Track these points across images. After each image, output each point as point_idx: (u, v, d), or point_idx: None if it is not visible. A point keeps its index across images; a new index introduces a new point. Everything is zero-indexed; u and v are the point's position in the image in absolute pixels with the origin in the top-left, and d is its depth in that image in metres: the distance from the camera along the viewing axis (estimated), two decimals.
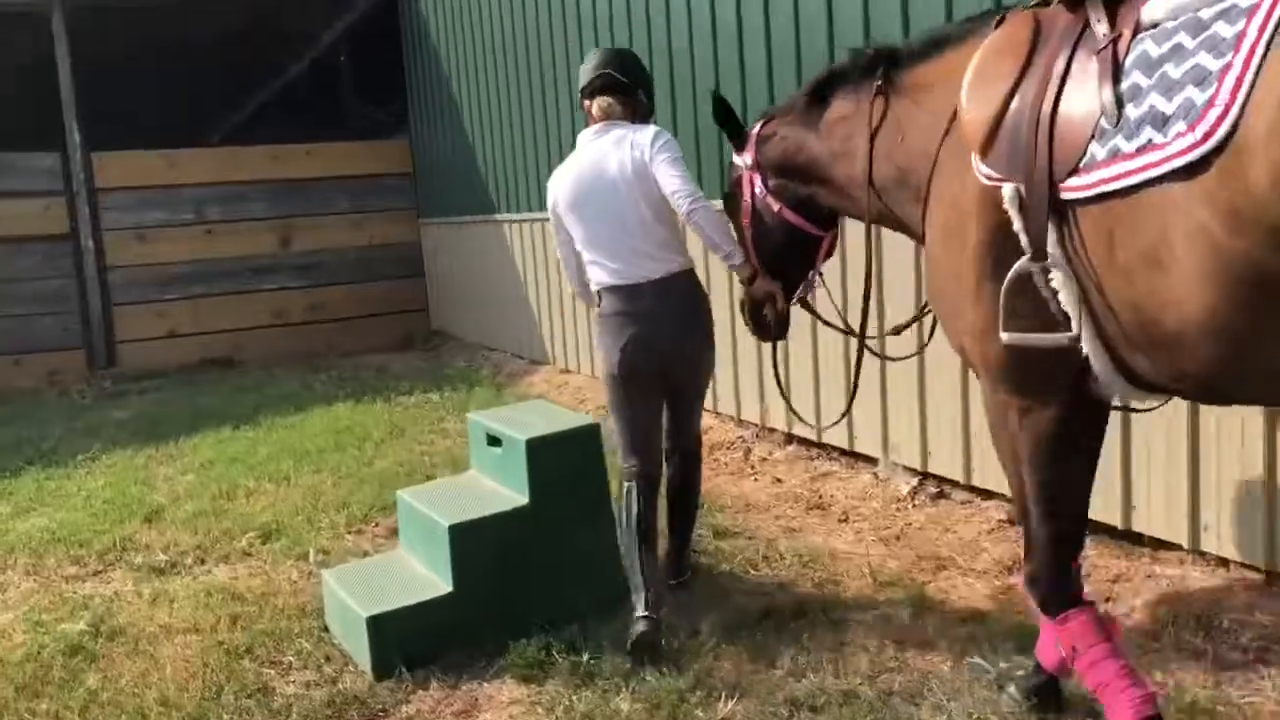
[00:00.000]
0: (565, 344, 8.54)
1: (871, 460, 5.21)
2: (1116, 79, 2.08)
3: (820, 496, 5.06)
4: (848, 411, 3.72)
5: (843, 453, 5.45)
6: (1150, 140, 1.97)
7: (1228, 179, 1.82)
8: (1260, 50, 1.79)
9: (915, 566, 4.11)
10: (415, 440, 6.86)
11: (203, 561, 4.94)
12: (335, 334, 11.39)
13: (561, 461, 3.93)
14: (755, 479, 5.51)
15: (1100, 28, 2.19)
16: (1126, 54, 2.10)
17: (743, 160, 3.43)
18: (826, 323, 3.69)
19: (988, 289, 2.38)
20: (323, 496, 5.74)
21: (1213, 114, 1.84)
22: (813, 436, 5.64)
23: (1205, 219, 1.86)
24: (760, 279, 3.55)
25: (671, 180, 3.65)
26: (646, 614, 3.49)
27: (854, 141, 2.96)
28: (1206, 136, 1.85)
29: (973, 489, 4.60)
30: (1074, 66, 2.20)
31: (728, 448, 6.03)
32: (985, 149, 2.33)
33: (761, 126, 3.38)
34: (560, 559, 3.89)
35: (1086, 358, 2.29)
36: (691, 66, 6.31)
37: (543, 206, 3.98)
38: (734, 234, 3.60)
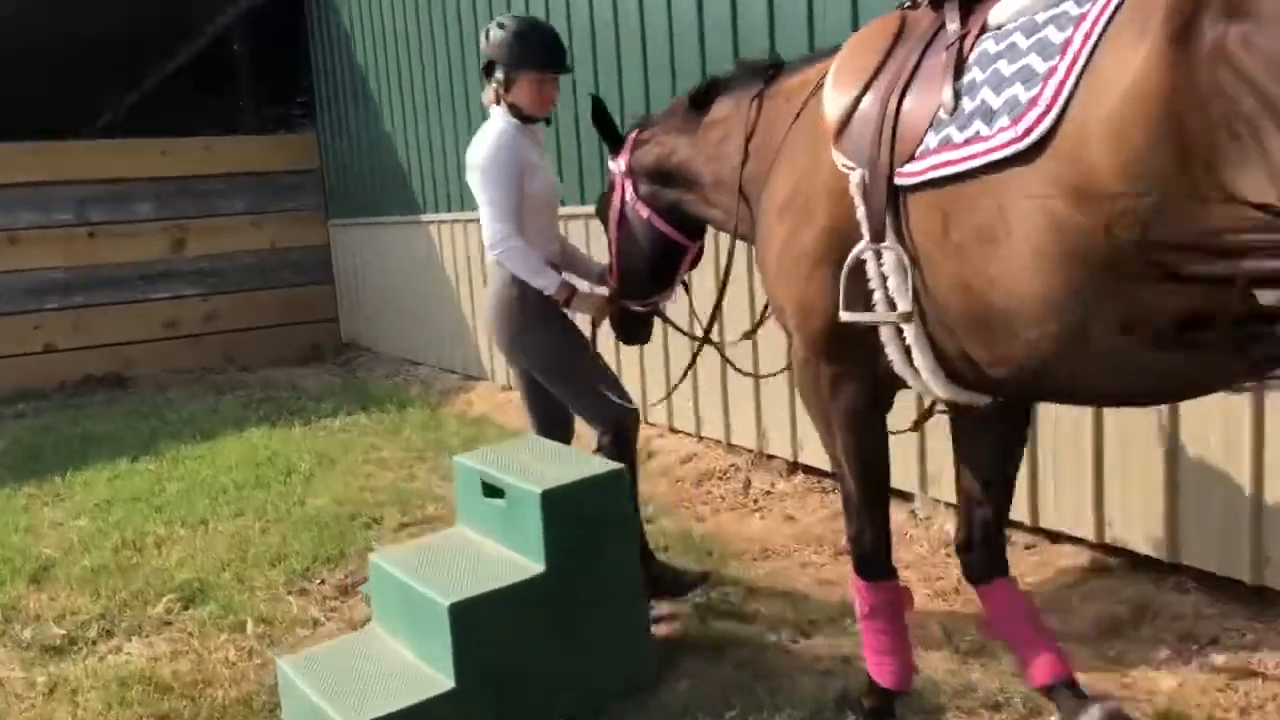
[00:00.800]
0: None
1: (904, 495, 4.56)
2: (958, 74, 2.22)
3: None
4: (667, 396, 3.94)
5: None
6: (978, 132, 2.10)
7: (1063, 163, 1.93)
8: (1084, 54, 1.93)
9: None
10: (350, 473, 5.98)
11: (110, 634, 4.04)
12: (235, 347, 10.34)
13: (584, 517, 3.17)
14: (762, 516, 4.82)
15: (951, 26, 2.33)
16: (970, 51, 2.24)
17: (616, 165, 3.49)
18: (679, 329, 3.79)
19: (825, 269, 2.52)
20: (251, 546, 4.85)
21: (1034, 112, 1.98)
22: (825, 465, 4.97)
23: (1041, 198, 1.97)
24: (612, 284, 3.69)
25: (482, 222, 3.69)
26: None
27: (727, 144, 3.08)
28: (1027, 132, 1.99)
29: (1039, 530, 3.98)
30: (924, 62, 2.34)
31: (721, 478, 5.32)
32: (839, 138, 2.45)
33: (638, 132, 3.46)
34: (584, 637, 3.14)
35: (907, 349, 2.44)
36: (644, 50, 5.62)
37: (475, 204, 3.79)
38: (537, 265, 3.66)
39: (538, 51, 3.69)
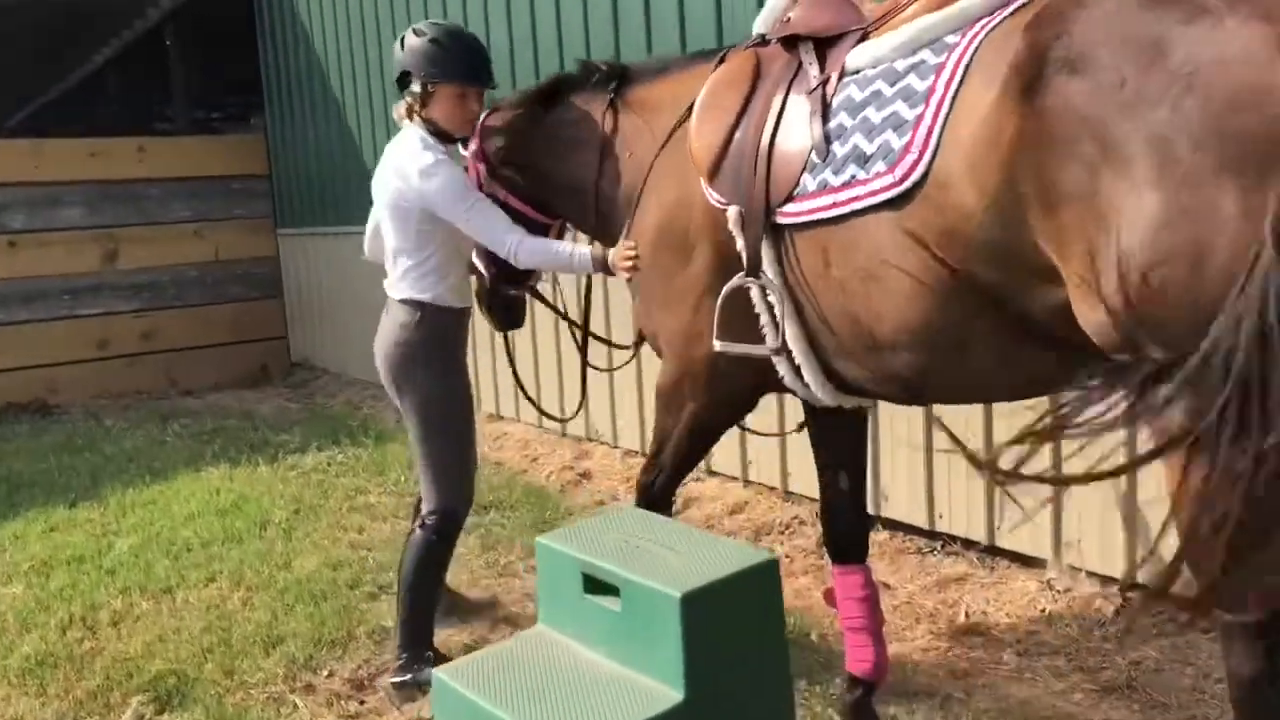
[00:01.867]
0: (496, 382, 6.92)
1: (1034, 563, 3.89)
2: (825, 118, 2.36)
3: (968, 613, 3.69)
4: (577, 412, 3.87)
5: (968, 545, 4.10)
6: (854, 176, 2.25)
7: (932, 207, 2.09)
8: (946, 104, 2.08)
9: None
10: (337, 525, 5.13)
11: None
12: (176, 368, 9.34)
13: (734, 626, 2.42)
14: None
15: (812, 70, 2.45)
16: (833, 95, 2.38)
17: (468, 150, 3.46)
18: (554, 308, 3.75)
19: (707, 302, 2.63)
20: (234, 624, 4.00)
21: (909, 159, 2.13)
22: (903, 517, 4.29)
23: (917, 238, 2.12)
24: (480, 269, 3.57)
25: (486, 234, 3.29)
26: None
27: (582, 153, 3.17)
28: (904, 178, 2.14)
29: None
30: (789, 104, 2.46)
31: (783, 532, 4.60)
32: (712, 175, 2.56)
33: (487, 117, 3.43)
34: None
35: (797, 367, 2.59)
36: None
37: None
38: (559, 246, 3.37)
39: (460, 62, 3.30)
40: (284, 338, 9.93)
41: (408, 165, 3.23)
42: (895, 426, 4.25)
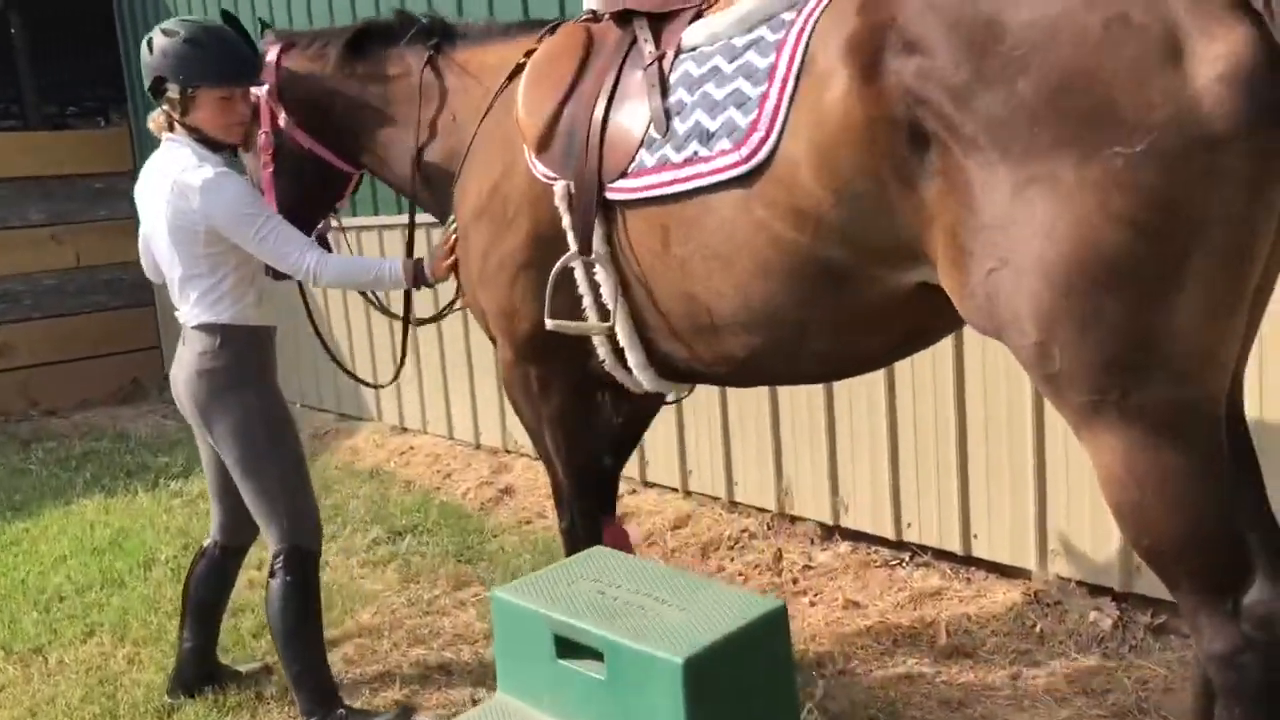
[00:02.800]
0: (400, 388, 6.41)
1: (1019, 573, 3.60)
2: (664, 93, 2.34)
3: (949, 632, 3.38)
4: (395, 377, 3.64)
5: (939, 555, 3.80)
6: (696, 153, 2.23)
7: (781, 187, 2.09)
8: (791, 82, 2.09)
9: None
10: None
11: None
12: (37, 385, 8.52)
13: (741, 691, 2.05)
14: (813, 601, 3.75)
15: (647, 46, 2.43)
16: (670, 71, 2.36)
17: (263, 89, 3.18)
18: (377, 305, 3.59)
19: (529, 275, 2.61)
20: (120, 689, 3.48)
21: (755, 137, 2.12)
22: (867, 527, 3.97)
23: (764, 218, 2.13)
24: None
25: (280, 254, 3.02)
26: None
27: (399, 108, 3.07)
28: (752, 154, 2.13)
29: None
30: (623, 79, 2.44)
31: (733, 547, 4.23)
32: (540, 148, 2.53)
33: (281, 54, 3.22)
34: None
35: (619, 350, 2.59)
36: None
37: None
38: (363, 261, 3.22)
39: (222, 61, 2.96)
40: (158, 348, 9.16)
41: (186, 182, 2.89)
42: (855, 428, 3.92)
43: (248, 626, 3.87)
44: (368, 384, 3.81)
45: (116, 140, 9.20)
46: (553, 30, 2.85)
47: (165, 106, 2.98)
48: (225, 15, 3.16)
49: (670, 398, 2.99)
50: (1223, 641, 1.84)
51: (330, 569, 4.42)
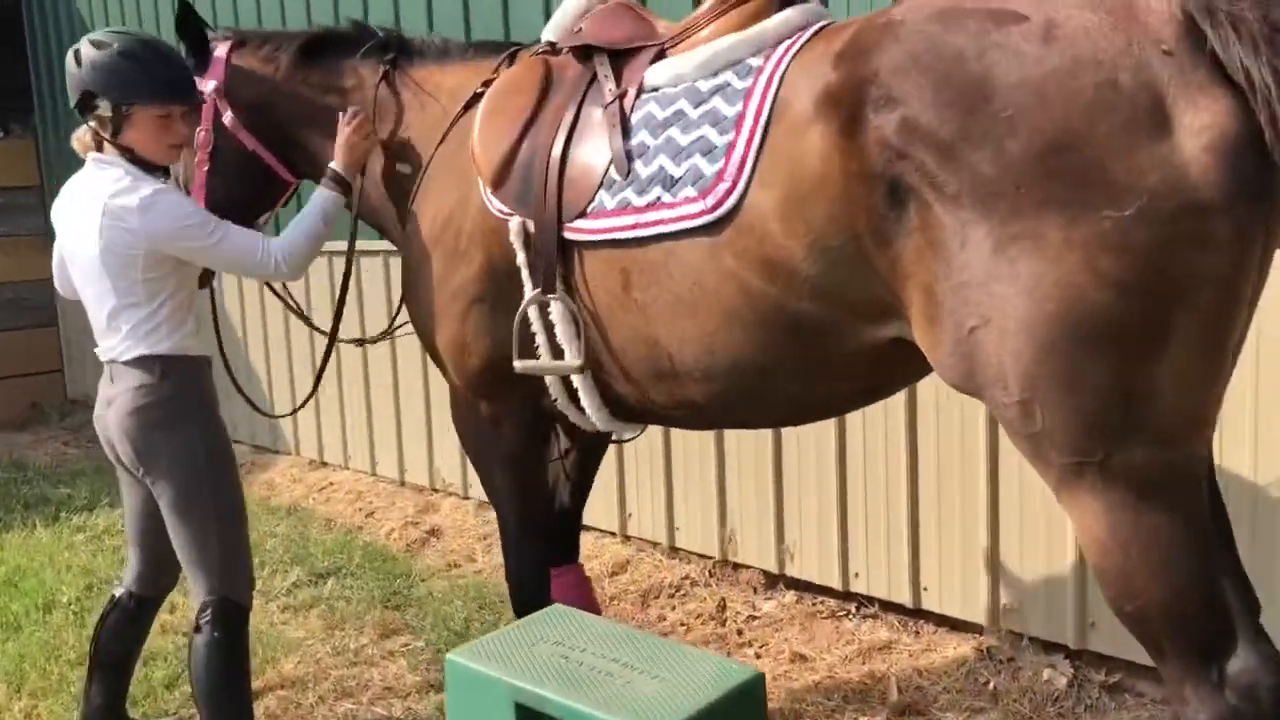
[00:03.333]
0: (320, 421, 6.17)
1: (954, 624, 3.53)
2: (626, 134, 2.29)
3: (900, 688, 3.30)
4: (303, 404, 3.50)
5: (887, 607, 3.72)
6: (659, 199, 2.19)
7: (751, 237, 2.06)
8: (759, 133, 2.07)
9: None
10: None
11: None
12: None
13: None
14: (758, 653, 3.64)
15: (608, 84, 2.39)
16: (632, 111, 2.31)
17: (206, 85, 3.03)
18: (302, 316, 3.44)
19: (482, 309, 2.56)
20: None
21: (722, 187, 2.09)
22: (813, 577, 3.89)
23: (732, 268, 2.09)
24: None
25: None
26: None
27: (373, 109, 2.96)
28: (718, 204, 2.10)
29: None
30: (582, 116, 2.39)
31: (674, 595, 4.11)
32: (496, 184, 2.47)
33: (231, 50, 3.09)
34: None
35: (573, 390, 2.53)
36: None
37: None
38: (311, 213, 2.91)
39: (161, 78, 2.73)
40: (60, 371, 8.75)
41: (122, 205, 2.66)
42: (803, 473, 3.84)
43: (160, 677, 3.63)
44: (265, 413, 3.64)
45: (21, 153, 8.78)
46: (512, 58, 2.77)
47: (93, 124, 2.75)
48: (183, 5, 3.03)
49: (618, 437, 2.94)
50: (1208, 712, 1.80)
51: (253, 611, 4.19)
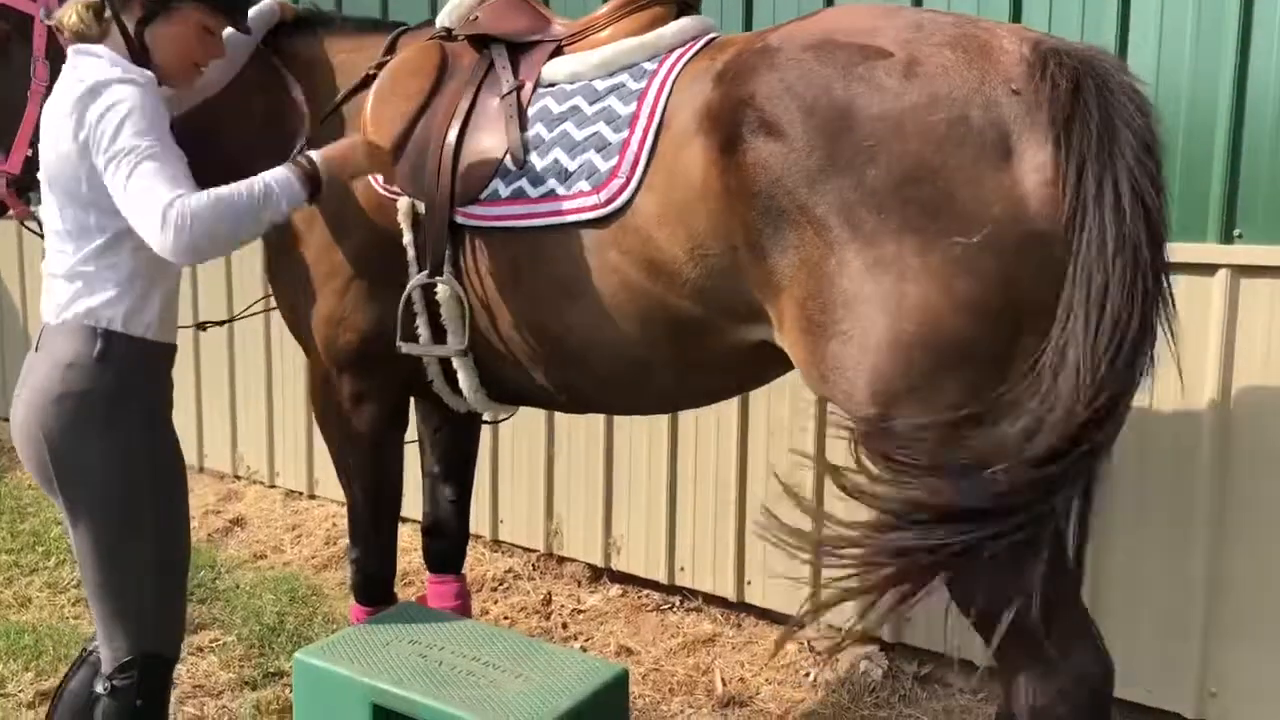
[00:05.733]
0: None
1: (775, 618, 3.64)
2: (522, 125, 2.31)
3: (724, 680, 3.38)
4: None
5: (711, 600, 3.80)
6: (553, 190, 2.23)
7: (637, 236, 2.14)
8: (651, 135, 2.15)
9: None
10: None
11: None
12: None
13: None
14: (584, 646, 3.65)
15: (505, 74, 2.40)
16: (529, 104, 2.34)
17: (42, 12, 2.47)
18: None
19: (360, 285, 2.51)
20: None
21: (616, 183, 2.16)
22: (639, 570, 3.93)
23: (618, 263, 2.17)
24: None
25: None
26: None
27: (223, 98, 2.70)
28: (610, 200, 2.16)
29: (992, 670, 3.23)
30: (479, 104, 2.40)
31: (497, 588, 4.06)
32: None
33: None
34: None
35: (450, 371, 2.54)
36: None
37: None
38: (247, 192, 2.16)
39: None
40: None
41: (90, 85, 2.07)
42: (633, 468, 3.87)
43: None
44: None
45: None
46: (395, 40, 2.67)
47: (106, 15, 2.18)
48: None
49: (490, 418, 2.90)
50: (1044, 696, 1.95)
51: (35, 607, 3.89)
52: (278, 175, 2.09)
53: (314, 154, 2.16)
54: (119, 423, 2.14)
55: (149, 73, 2.16)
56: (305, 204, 2.14)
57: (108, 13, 2.16)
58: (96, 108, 2.04)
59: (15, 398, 2.20)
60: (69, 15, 2.17)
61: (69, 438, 2.11)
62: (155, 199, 1.98)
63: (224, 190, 2.02)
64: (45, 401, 2.12)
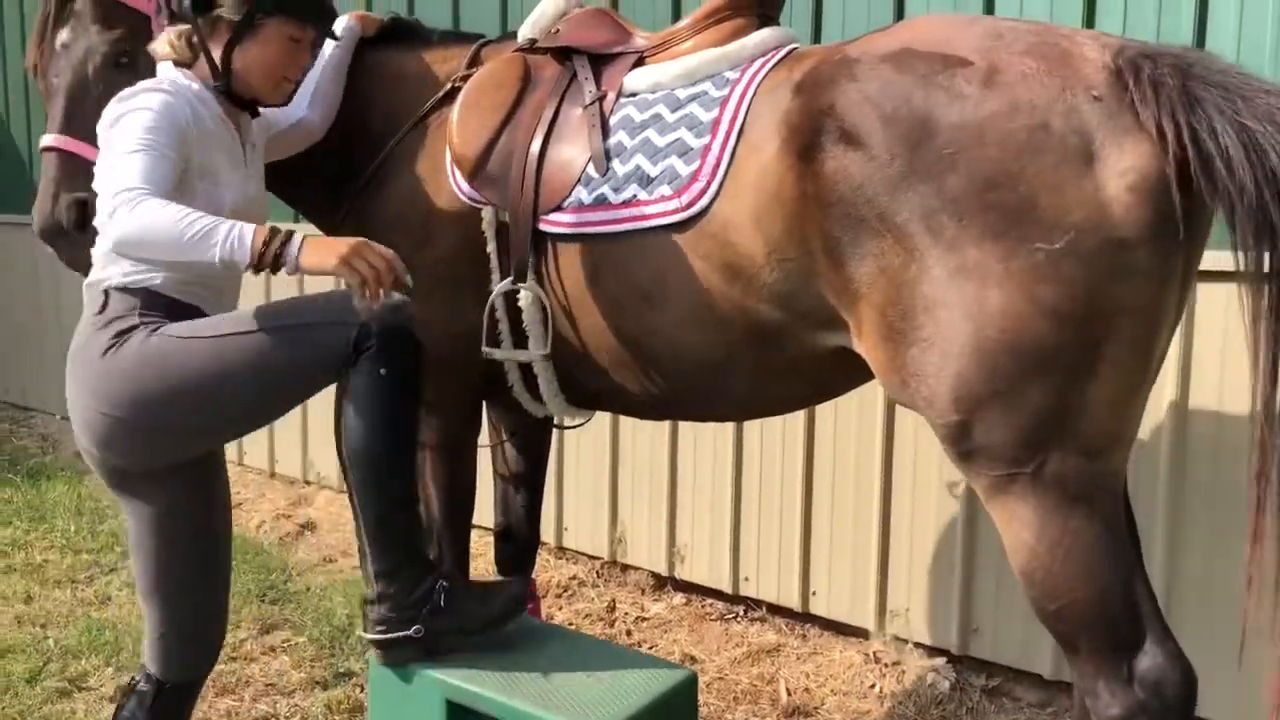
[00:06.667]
0: None
1: (840, 629, 3.63)
2: (605, 133, 2.36)
3: (789, 690, 3.38)
4: None
5: (775, 611, 3.80)
6: (635, 196, 2.27)
7: (716, 240, 2.17)
8: (733, 139, 2.19)
9: None
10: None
11: None
12: None
13: None
14: (650, 652, 3.67)
15: (588, 85, 2.44)
16: (611, 113, 2.38)
17: (156, 10, 2.47)
18: None
19: (439, 293, 2.51)
20: None
21: (696, 187, 2.19)
22: (703, 580, 3.94)
23: (698, 266, 2.20)
24: None
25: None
26: None
27: (321, 87, 2.74)
28: (691, 203, 2.19)
29: (1060, 685, 3.20)
30: (562, 114, 2.44)
31: (561, 595, 4.09)
32: (473, 173, 2.46)
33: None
34: None
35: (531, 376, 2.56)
36: None
37: None
38: (192, 219, 1.98)
39: None
40: None
41: (124, 94, 2.15)
42: (698, 477, 3.89)
43: (20, 671, 3.42)
44: None
45: None
46: (477, 53, 2.71)
47: (192, 34, 2.23)
48: None
49: (566, 423, 2.94)
50: (1120, 706, 1.92)
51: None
52: (239, 230, 1.94)
53: (303, 237, 1.97)
54: (147, 410, 2.08)
55: (189, 83, 2.22)
56: (248, 268, 1.96)
57: (196, 38, 2.22)
58: (122, 106, 2.11)
59: (71, 365, 2.19)
60: (162, 44, 2.27)
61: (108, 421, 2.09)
62: (115, 183, 1.97)
63: (172, 210, 1.93)
64: (96, 372, 2.10)
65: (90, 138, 2.30)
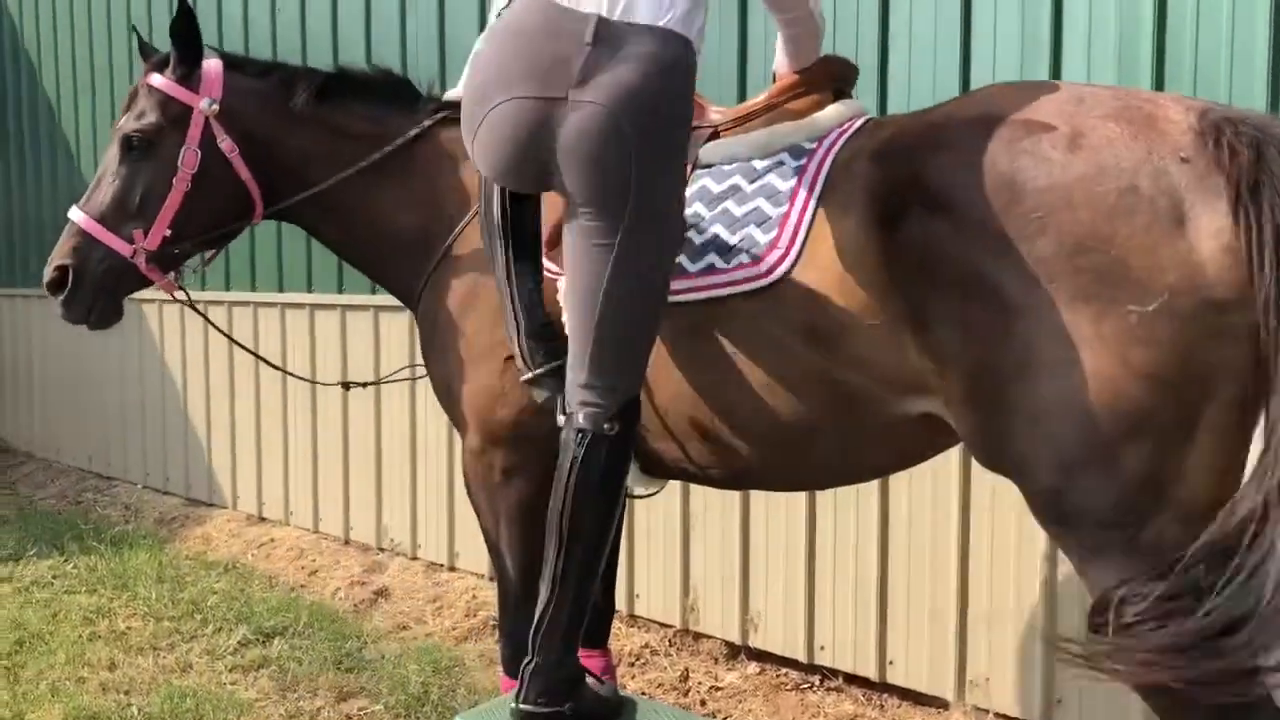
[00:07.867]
0: (261, 474, 6.04)
1: (917, 698, 3.57)
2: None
3: None
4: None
5: (852, 680, 3.75)
6: (713, 265, 2.28)
7: (797, 307, 2.18)
8: (811, 207, 2.21)
9: None
10: (78, 660, 4.12)
11: None
12: None
13: None
14: None
15: None
16: (686, 185, 2.34)
17: (205, 102, 2.84)
18: (222, 331, 3.47)
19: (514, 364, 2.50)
20: None
21: (775, 254, 2.21)
22: (777, 648, 3.90)
23: (778, 334, 2.20)
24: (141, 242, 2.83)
25: None
26: None
27: (380, 185, 2.88)
28: (770, 271, 2.21)
29: None
30: None
31: (634, 664, 4.07)
32: (550, 244, 2.47)
33: (228, 72, 2.91)
34: None
35: None
36: None
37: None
38: None
39: None
40: None
41: None
42: (771, 543, 3.87)
43: None
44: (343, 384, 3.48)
45: None
46: None
47: None
48: (184, 8, 2.80)
49: (640, 492, 2.87)
50: None
51: (195, 672, 4.05)
52: None
53: None
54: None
55: None
56: None
57: None
58: None
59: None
60: None
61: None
62: None
63: None
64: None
65: (103, 217, 2.78)
